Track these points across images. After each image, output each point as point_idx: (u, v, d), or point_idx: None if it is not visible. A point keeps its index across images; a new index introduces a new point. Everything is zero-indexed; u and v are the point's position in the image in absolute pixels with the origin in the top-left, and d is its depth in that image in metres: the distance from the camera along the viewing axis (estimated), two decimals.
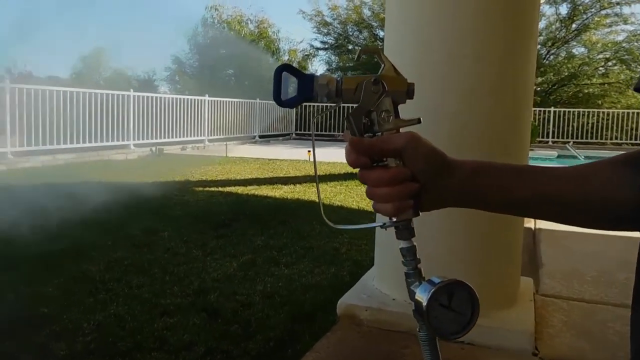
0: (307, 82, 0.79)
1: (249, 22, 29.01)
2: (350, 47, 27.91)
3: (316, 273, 4.47)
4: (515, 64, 2.90)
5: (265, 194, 8.24)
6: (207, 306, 3.72)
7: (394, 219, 0.80)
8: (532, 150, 13.72)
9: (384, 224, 0.82)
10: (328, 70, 28.58)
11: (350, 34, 27.83)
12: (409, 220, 0.80)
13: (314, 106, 17.08)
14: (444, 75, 2.87)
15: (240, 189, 8.64)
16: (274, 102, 0.81)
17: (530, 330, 2.83)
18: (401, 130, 0.79)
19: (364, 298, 3.24)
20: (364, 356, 2.89)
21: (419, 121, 0.81)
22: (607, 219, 0.77)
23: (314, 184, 9.15)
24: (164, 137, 15.41)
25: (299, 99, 0.80)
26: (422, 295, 0.79)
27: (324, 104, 0.82)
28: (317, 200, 7.61)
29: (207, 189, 8.68)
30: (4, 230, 5.37)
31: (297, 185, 9.12)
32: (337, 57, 28.48)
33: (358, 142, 0.77)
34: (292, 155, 14.18)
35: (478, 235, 2.93)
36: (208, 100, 17.32)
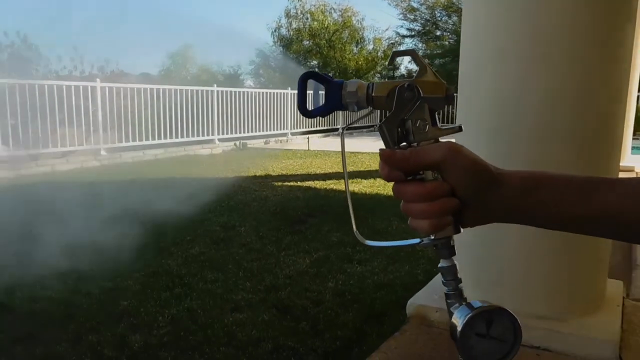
0: (335, 89, 0.74)
1: (333, 11, 28.96)
2: (438, 33, 27.29)
3: (389, 271, 4.42)
4: (608, 51, 2.63)
5: (343, 189, 8.23)
6: (278, 302, 3.77)
7: (432, 237, 0.74)
8: (637, 139, 12.88)
9: (421, 241, 0.76)
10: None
11: (439, 19, 27.20)
12: (449, 237, 0.74)
13: None
14: (527, 63, 2.64)
15: (319, 184, 8.69)
16: None
17: (614, 339, 2.61)
18: (440, 140, 0.73)
19: (435, 299, 3.14)
20: (432, 358, 2.83)
21: (459, 129, 0.75)
22: None
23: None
24: (248, 132, 15.71)
25: (326, 108, 0.75)
26: (458, 320, 0.73)
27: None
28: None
29: (286, 183, 8.79)
30: (91, 225, 5.65)
31: (377, 180, 9.01)
32: (424, 44, 27.93)
33: (390, 155, 0.71)
34: (375, 148, 13.95)
35: (561, 234, 2.71)
36: (290, 93, 17.48)
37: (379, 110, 0.76)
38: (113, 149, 11.87)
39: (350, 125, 0.99)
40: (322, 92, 0.76)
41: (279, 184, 8.76)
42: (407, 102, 0.72)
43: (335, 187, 8.38)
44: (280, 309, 3.66)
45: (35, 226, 5.36)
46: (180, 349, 3.12)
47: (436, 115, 0.73)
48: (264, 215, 6.41)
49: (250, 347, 3.13)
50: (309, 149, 14.22)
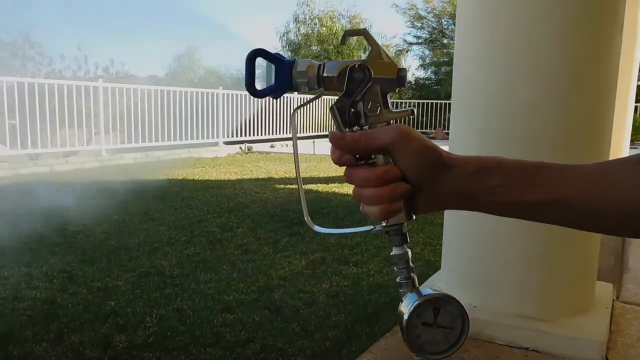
0: (285, 69, 0.71)
1: (341, 17, 28.88)
2: (445, 41, 27.31)
3: (385, 273, 4.35)
4: (596, 54, 2.63)
5: (345, 192, 8.15)
6: (270, 303, 3.70)
7: (384, 223, 0.71)
8: (634, 147, 12.85)
9: (373, 227, 0.74)
10: (421, 65, 28.07)
11: (445, 27, 27.21)
12: (401, 224, 0.71)
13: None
14: (517, 64, 2.65)
15: (321, 187, 8.62)
16: None
17: (600, 340, 2.60)
18: (392, 122, 0.70)
19: None
20: None
21: (411, 112, 0.72)
22: (632, 226, 0.63)
23: None
24: (253, 135, 15.66)
25: (275, 88, 0.72)
26: (406, 307, 0.70)
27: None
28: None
29: (287, 186, 8.73)
30: (86, 224, 5.62)
31: None
32: (430, 52, 27.94)
33: (340, 138, 0.69)
34: None
35: (551, 237, 2.73)
36: (296, 98, 17.43)
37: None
38: (115, 150, 11.83)
39: (300, 106, 0.94)
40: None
41: (281, 186, 8.71)
42: (358, 83, 0.69)
43: (337, 190, 8.31)
44: (272, 310, 3.59)
45: None
46: (166, 349, 3.05)
47: (388, 97, 0.71)
48: (263, 217, 6.34)
49: (238, 348, 3.06)
50: (314, 153, 14.16)
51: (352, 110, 0.70)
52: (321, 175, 10.09)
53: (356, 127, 0.70)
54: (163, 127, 12.78)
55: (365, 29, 0.71)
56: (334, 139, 0.69)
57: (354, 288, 4.00)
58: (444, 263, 3.29)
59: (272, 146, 16.19)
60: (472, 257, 2.94)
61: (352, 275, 4.28)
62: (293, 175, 10.07)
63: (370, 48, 0.70)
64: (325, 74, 0.71)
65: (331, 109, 0.71)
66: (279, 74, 0.72)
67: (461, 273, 3.04)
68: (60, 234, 5.34)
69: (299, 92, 0.75)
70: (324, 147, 15.65)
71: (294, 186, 8.72)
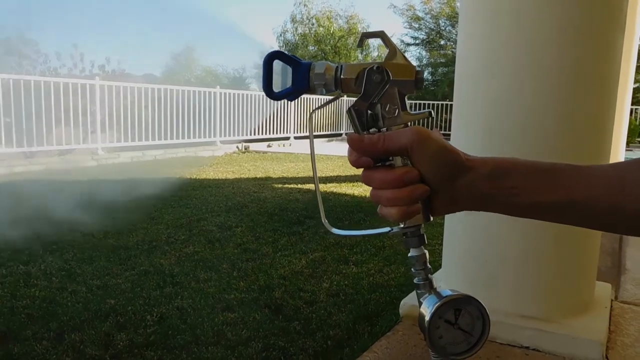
0: (302, 71, 0.71)
1: (338, 17, 28.90)
2: (442, 42, 27.37)
3: (385, 272, 4.34)
4: (598, 55, 2.65)
5: (344, 192, 8.17)
6: (271, 302, 3.69)
7: (402, 225, 0.71)
8: (630, 150, 12.93)
9: (391, 229, 0.73)
10: (419, 66, 28.00)
11: (443, 28, 27.26)
12: (419, 226, 0.71)
13: None
14: (519, 66, 2.67)
15: (320, 187, 8.59)
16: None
17: (600, 339, 2.63)
18: (410, 125, 0.70)
19: None
20: (423, 358, 2.77)
21: (429, 115, 0.72)
22: None
23: None
24: (250, 134, 15.64)
25: (293, 90, 0.72)
26: (427, 309, 0.70)
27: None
28: None
29: (285, 186, 8.72)
30: (84, 223, 5.60)
31: None
32: (428, 53, 27.98)
33: (357, 141, 0.69)
34: None
35: (551, 237, 2.75)
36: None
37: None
38: (111, 149, 11.77)
39: (319, 108, 0.95)
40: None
41: (279, 186, 8.70)
42: (376, 85, 0.69)
43: (335, 190, 8.31)
44: (272, 309, 3.58)
45: None
46: (167, 348, 3.03)
47: (406, 99, 0.71)
48: (262, 216, 6.33)
49: (239, 347, 3.05)
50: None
51: (370, 112, 0.70)
52: (320, 175, 10.08)
53: (374, 129, 0.70)
54: (160, 125, 12.73)
55: (382, 31, 0.70)
56: (352, 142, 0.69)
57: (354, 287, 4.00)
58: (445, 262, 3.29)
59: (269, 146, 16.18)
60: (472, 257, 2.96)
61: (352, 275, 4.28)
62: (290, 174, 10.07)
63: (388, 50, 0.70)
64: (342, 76, 0.70)
65: (348, 111, 0.71)
66: (296, 77, 0.72)
67: (462, 272, 3.05)
68: (58, 232, 5.31)
69: (316, 94, 0.74)
70: (323, 147, 15.68)
71: (292, 186, 8.72)
